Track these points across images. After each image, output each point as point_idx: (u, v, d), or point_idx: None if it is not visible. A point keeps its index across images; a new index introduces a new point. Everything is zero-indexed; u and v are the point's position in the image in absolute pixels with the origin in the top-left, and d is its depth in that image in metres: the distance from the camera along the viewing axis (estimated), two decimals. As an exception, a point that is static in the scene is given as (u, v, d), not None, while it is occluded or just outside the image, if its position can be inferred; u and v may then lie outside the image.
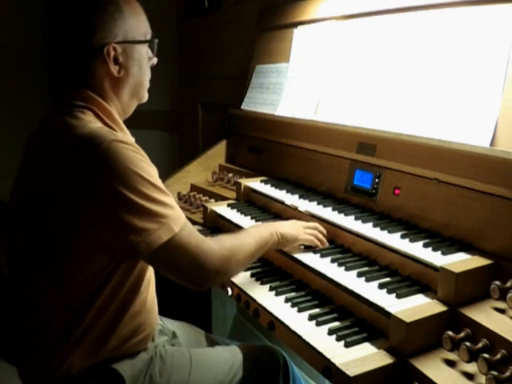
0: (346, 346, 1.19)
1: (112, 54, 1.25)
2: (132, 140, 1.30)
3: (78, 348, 1.21)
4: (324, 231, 1.61)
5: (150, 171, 1.17)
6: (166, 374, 1.33)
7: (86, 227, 1.14)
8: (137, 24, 1.30)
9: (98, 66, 1.25)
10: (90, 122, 1.20)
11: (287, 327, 1.30)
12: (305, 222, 1.62)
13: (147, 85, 1.39)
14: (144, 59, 1.34)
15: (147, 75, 1.38)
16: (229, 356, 1.47)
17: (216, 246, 1.26)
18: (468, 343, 1.07)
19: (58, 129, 1.22)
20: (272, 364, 1.51)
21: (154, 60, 1.39)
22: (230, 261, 1.29)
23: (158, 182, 1.19)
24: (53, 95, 4.26)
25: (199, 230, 1.94)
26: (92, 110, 1.25)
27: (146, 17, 1.35)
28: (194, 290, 1.29)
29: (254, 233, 1.44)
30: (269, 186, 2.03)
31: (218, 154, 2.57)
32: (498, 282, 1.17)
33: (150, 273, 1.37)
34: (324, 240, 1.57)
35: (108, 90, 1.29)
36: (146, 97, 1.41)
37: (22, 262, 1.27)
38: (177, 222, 1.18)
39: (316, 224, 1.61)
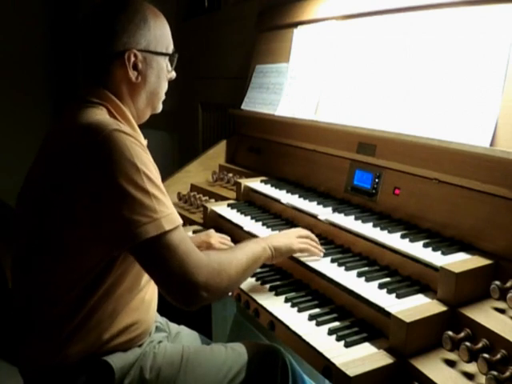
0: (346, 346, 1.20)
1: (132, 59, 1.30)
2: (144, 141, 1.32)
3: (73, 338, 1.23)
4: (316, 239, 1.56)
5: (149, 165, 1.18)
6: (155, 369, 1.33)
7: (81, 214, 1.15)
8: (160, 36, 1.36)
9: (118, 69, 1.30)
10: (100, 115, 1.24)
11: (287, 327, 1.30)
12: (297, 230, 1.58)
13: (163, 96, 1.43)
14: (162, 71, 1.38)
15: (164, 87, 1.42)
16: (223, 353, 1.45)
17: (206, 258, 1.21)
18: (468, 343, 1.08)
19: (67, 123, 1.26)
20: (269, 362, 1.47)
21: (173, 74, 1.43)
22: (220, 275, 1.23)
23: (156, 178, 1.19)
24: (53, 96, 4.27)
25: (199, 230, 1.96)
26: (106, 108, 1.29)
27: (169, 31, 1.40)
28: (184, 309, 1.21)
29: (245, 249, 1.39)
30: (269, 186, 2.03)
31: (218, 153, 2.58)
32: (497, 282, 1.17)
33: None
34: (319, 247, 1.54)
35: (125, 93, 1.33)
36: (160, 108, 1.44)
37: (23, 253, 1.30)
38: (168, 221, 1.16)
39: (308, 232, 1.57)
